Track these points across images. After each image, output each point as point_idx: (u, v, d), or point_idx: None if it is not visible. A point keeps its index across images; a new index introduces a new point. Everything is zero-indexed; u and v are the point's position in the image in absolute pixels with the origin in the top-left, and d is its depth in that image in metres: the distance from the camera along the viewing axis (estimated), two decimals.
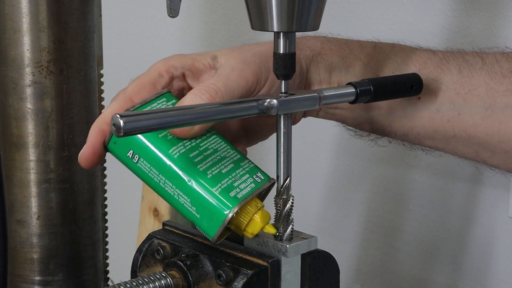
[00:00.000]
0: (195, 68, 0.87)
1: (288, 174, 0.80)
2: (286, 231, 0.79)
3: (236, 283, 0.77)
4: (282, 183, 0.80)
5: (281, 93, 0.80)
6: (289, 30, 0.78)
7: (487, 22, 1.23)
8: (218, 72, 0.85)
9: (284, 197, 0.80)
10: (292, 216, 0.79)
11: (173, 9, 0.90)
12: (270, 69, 0.83)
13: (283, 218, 0.79)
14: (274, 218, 0.80)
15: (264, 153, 1.55)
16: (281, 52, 0.79)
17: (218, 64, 0.86)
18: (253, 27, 0.80)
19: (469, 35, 1.25)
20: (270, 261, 0.78)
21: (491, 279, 1.31)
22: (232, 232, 0.82)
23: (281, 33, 0.78)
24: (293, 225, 0.80)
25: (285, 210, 0.79)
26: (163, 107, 0.83)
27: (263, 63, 0.86)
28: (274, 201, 0.80)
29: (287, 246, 0.78)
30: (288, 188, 0.80)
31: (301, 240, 0.80)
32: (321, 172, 1.49)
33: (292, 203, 0.80)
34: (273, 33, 0.79)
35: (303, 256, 0.80)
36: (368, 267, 1.46)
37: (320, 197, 1.50)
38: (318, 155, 1.48)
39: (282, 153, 0.80)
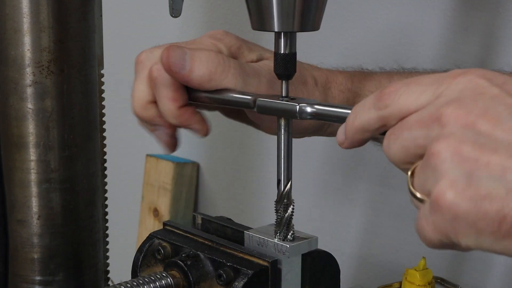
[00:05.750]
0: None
1: (289, 179, 0.80)
2: (287, 234, 0.79)
3: (236, 283, 0.77)
4: (283, 188, 0.80)
5: (282, 97, 0.80)
6: (290, 30, 0.78)
7: (487, 22, 1.23)
8: None
9: (285, 201, 0.80)
10: (293, 223, 0.80)
11: (175, 9, 0.90)
12: None
13: (284, 222, 0.79)
14: (275, 222, 0.80)
15: (264, 153, 1.55)
16: (282, 52, 0.79)
17: None
18: (253, 27, 0.80)
19: (469, 35, 1.25)
20: (270, 261, 0.78)
21: (492, 278, 1.31)
22: (232, 232, 0.82)
23: (282, 33, 0.78)
24: (293, 229, 0.80)
25: (287, 215, 0.79)
26: None
27: None
28: (275, 205, 0.80)
29: (288, 246, 0.78)
30: (289, 193, 0.80)
31: (302, 240, 0.80)
32: (321, 172, 1.49)
33: (293, 208, 0.80)
34: (273, 33, 0.79)
35: (304, 256, 0.80)
36: (368, 267, 1.46)
37: (321, 197, 1.50)
38: (319, 155, 1.48)
39: (283, 158, 0.80)
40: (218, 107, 0.90)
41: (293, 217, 0.80)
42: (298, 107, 0.77)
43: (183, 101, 0.84)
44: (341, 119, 0.74)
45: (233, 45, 0.89)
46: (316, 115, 0.77)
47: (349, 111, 0.72)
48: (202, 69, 0.82)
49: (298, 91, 0.90)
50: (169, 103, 0.84)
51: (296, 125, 0.87)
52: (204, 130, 0.86)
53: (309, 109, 0.77)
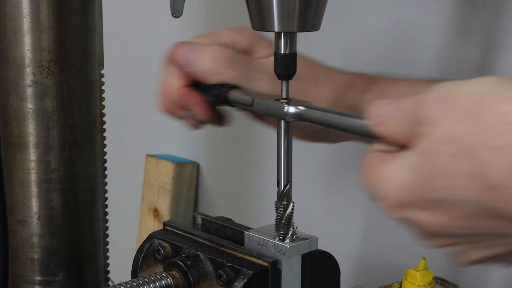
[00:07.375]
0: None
1: (288, 180, 0.80)
2: (287, 233, 0.79)
3: (236, 283, 0.77)
4: (283, 188, 0.80)
5: (282, 98, 0.80)
6: (290, 30, 0.78)
7: (487, 22, 1.23)
8: None
9: (285, 202, 0.80)
10: (293, 220, 0.80)
11: (177, 9, 0.90)
12: None
13: (283, 223, 0.79)
14: (275, 221, 0.80)
15: (264, 153, 1.55)
16: (282, 52, 0.79)
17: None
18: (254, 27, 0.80)
19: (469, 35, 1.25)
20: (270, 261, 0.78)
21: (492, 278, 1.31)
22: (232, 232, 0.82)
23: (282, 33, 0.78)
24: (293, 229, 0.80)
25: (286, 215, 0.79)
26: None
27: None
28: (275, 206, 0.80)
29: (288, 246, 0.78)
30: (288, 194, 0.80)
31: (302, 241, 0.80)
32: (321, 172, 1.49)
33: (293, 208, 0.80)
34: (273, 33, 0.79)
35: (304, 257, 0.80)
36: (368, 267, 1.46)
37: (321, 197, 1.50)
38: (319, 155, 1.48)
39: (282, 159, 0.80)
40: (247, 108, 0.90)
41: (293, 216, 0.79)
42: (285, 108, 0.78)
43: (188, 82, 0.89)
44: (329, 123, 0.74)
45: (251, 40, 0.92)
46: (301, 117, 0.78)
47: (339, 116, 0.73)
48: (206, 63, 0.87)
49: (306, 87, 0.91)
50: (174, 80, 0.88)
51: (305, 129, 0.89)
52: (204, 114, 0.88)
53: (292, 110, 0.78)
